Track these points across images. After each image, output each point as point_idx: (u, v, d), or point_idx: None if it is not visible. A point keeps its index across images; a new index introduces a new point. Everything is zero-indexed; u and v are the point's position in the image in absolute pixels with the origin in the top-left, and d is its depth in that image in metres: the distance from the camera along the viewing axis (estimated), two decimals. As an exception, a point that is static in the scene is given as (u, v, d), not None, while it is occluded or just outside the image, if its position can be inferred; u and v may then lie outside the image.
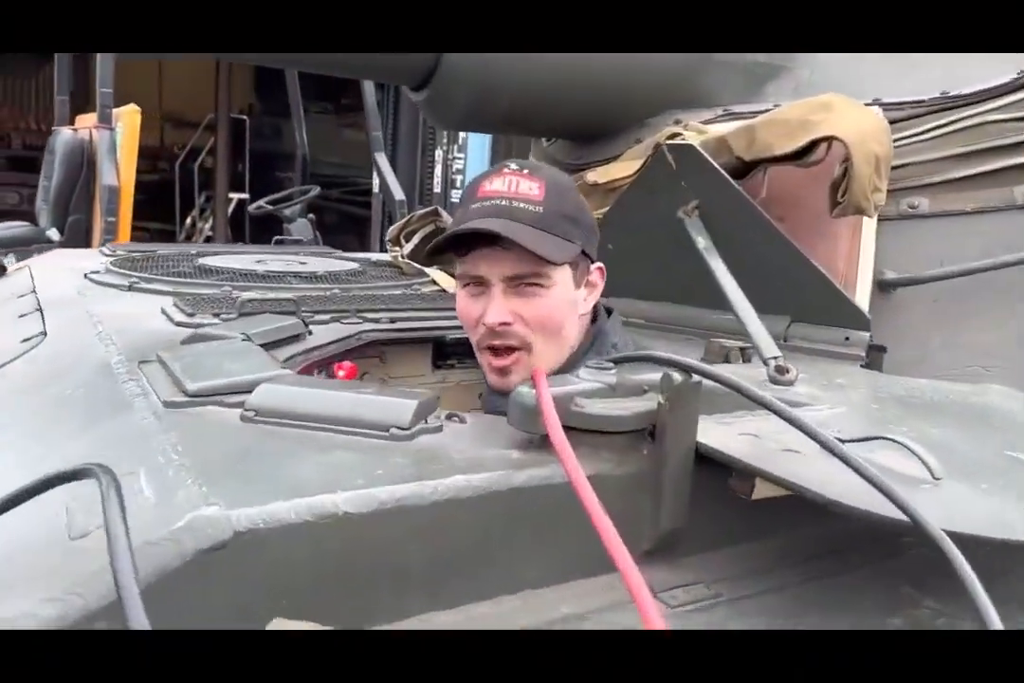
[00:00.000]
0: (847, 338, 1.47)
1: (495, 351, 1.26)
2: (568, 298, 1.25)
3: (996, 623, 0.61)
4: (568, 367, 1.26)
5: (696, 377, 0.83)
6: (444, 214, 2.33)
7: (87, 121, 5.57)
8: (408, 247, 2.30)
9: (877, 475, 0.71)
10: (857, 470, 0.73)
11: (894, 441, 0.81)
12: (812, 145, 1.41)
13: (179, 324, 1.35)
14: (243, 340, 1.13)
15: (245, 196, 9.07)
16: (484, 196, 1.19)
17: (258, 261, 2.07)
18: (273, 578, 0.65)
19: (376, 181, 6.21)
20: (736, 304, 1.33)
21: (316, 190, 5.53)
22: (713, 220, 1.47)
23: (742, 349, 1.32)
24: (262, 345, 1.16)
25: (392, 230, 2.41)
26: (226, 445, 0.79)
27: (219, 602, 0.63)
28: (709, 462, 0.84)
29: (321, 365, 1.27)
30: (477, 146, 6.93)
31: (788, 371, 1.13)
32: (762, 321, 1.28)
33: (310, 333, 1.33)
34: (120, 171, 4.92)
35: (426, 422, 0.87)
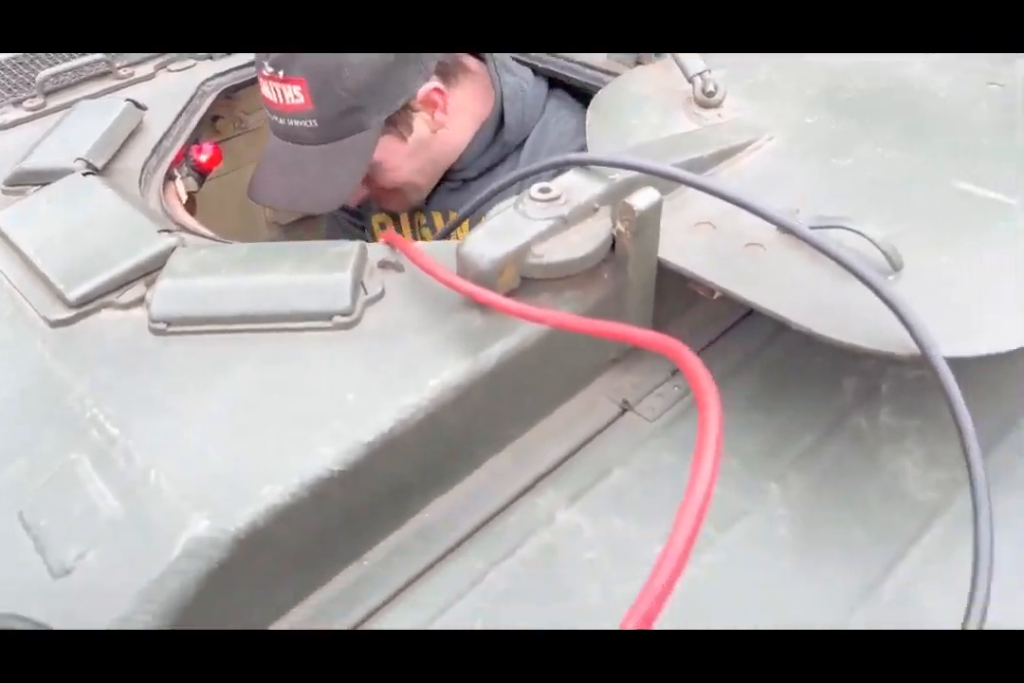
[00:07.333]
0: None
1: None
2: (407, 154, 1.14)
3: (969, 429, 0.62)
4: (470, 159, 1.19)
5: (654, 197, 0.73)
6: None
7: None
8: None
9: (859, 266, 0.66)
10: (838, 259, 0.67)
11: (855, 232, 0.74)
12: None
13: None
14: (85, 171, 0.91)
15: None
16: (266, 105, 1.07)
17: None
18: (283, 554, 0.62)
19: None
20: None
21: None
22: None
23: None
24: (107, 163, 0.96)
25: None
26: (159, 384, 0.69)
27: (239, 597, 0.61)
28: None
29: (177, 158, 1.06)
30: None
31: (716, 91, 1.01)
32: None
33: (144, 109, 1.08)
34: None
35: (365, 291, 0.77)
